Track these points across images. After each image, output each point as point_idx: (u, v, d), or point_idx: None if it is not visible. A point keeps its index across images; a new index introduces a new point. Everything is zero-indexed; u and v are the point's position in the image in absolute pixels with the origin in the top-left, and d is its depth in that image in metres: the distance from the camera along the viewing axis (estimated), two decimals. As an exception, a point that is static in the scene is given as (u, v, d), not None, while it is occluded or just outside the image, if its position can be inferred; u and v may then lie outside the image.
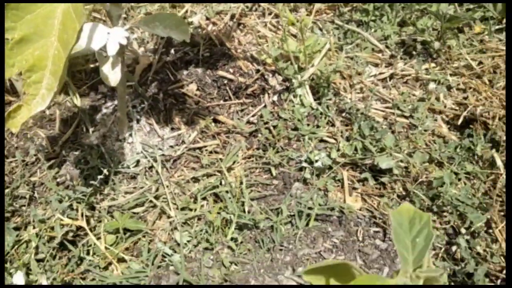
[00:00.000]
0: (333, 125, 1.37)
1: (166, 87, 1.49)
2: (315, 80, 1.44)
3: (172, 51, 1.58)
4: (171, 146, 1.36)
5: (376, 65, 1.54)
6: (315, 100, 1.42)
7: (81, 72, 1.53)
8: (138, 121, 1.41)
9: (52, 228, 1.14)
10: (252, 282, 1.03)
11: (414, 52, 1.55)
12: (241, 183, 1.24)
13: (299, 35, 1.48)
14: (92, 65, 1.53)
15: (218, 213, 1.18)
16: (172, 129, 1.41)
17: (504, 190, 1.12)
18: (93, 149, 1.32)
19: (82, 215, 1.14)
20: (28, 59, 0.86)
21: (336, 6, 1.70)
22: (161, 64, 1.55)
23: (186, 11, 1.74)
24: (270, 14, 1.69)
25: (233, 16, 1.70)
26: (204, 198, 1.24)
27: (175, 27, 1.08)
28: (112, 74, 1.10)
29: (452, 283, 1.00)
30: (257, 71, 1.51)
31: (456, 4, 1.64)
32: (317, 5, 1.71)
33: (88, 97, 1.48)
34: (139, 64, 1.53)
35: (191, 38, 1.62)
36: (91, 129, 1.38)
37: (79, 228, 1.17)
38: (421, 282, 0.63)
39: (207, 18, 1.70)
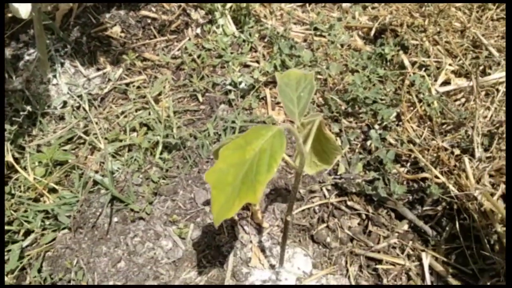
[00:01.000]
0: (255, 50, 1.40)
1: (89, 30, 1.47)
2: (236, 11, 1.45)
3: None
4: (98, 85, 1.35)
5: (296, -8, 1.56)
6: (237, 29, 1.44)
7: (-1, 22, 1.48)
8: (62, 64, 1.38)
9: (-20, 170, 1.12)
10: (181, 193, 1.06)
11: (331, -21, 1.59)
12: (169, 109, 1.25)
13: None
14: (10, 15, 1.49)
15: (149, 141, 1.19)
16: (98, 69, 1.39)
17: (412, 87, 1.18)
18: (17, 93, 1.29)
19: (8, 152, 1.12)
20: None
21: None
22: (82, 8, 1.52)
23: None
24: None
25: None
26: (133, 130, 1.25)
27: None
28: (23, 6, 1.08)
29: (367, 172, 1.07)
30: (179, 7, 1.51)
31: None
32: None
33: (9, 47, 1.44)
34: (59, 10, 1.50)
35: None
36: (14, 76, 1.35)
37: (10, 168, 1.16)
38: (311, 132, 0.67)
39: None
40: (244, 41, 1.41)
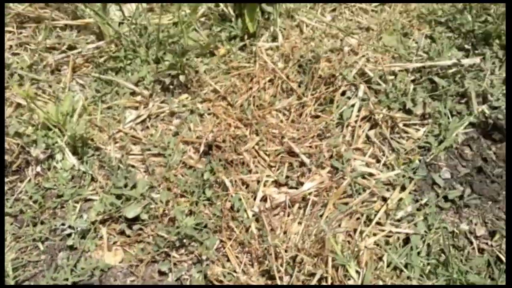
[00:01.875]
0: (96, 180, 1.41)
1: None
2: (74, 141, 1.46)
3: None
4: None
5: (136, 108, 1.59)
6: (78, 159, 1.45)
7: None
8: None
9: None
10: None
11: (171, 87, 1.63)
12: (8, 266, 1.23)
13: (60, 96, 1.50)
14: None
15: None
16: None
17: (233, 209, 1.23)
18: None
19: None
20: None
21: (94, 59, 1.71)
22: None
23: None
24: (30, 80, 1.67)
25: (-7, 91, 1.65)
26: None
27: None
28: None
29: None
30: (18, 145, 1.50)
31: (208, 29, 1.73)
32: (77, 60, 1.72)
33: None
34: None
35: None
36: None
37: None
38: None
39: (-34, 100, 1.64)
40: (84, 173, 1.42)
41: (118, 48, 1.69)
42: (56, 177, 1.41)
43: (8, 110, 1.61)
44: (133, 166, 1.41)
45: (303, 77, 1.55)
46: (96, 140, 1.49)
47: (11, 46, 1.73)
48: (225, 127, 1.39)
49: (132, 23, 1.67)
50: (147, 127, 1.54)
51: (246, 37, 1.73)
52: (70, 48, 1.72)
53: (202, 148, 1.40)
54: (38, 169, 1.46)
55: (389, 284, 1.00)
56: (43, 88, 1.64)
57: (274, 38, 1.71)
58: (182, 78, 1.58)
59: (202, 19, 1.76)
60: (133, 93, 1.63)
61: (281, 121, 1.41)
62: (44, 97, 1.59)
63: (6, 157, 1.48)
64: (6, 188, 1.44)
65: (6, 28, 1.75)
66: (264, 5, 1.75)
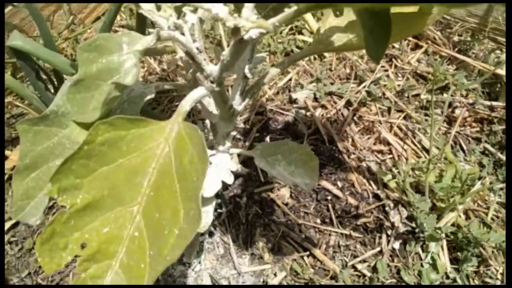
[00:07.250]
0: (470, 308, 0.94)
1: (253, 188, 1.08)
2: (457, 235, 1.00)
3: (268, 138, 1.17)
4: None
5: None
6: (452, 264, 0.98)
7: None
8: (211, 234, 1.00)
9: None
10: None
11: None
12: None
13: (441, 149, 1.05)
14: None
15: None
16: (253, 255, 0.99)
17: None
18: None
19: None
20: (90, 240, 0.45)
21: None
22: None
23: (290, 80, 1.33)
24: (399, 111, 1.25)
25: (349, 104, 1.27)
26: None
27: (302, 164, 0.70)
28: (204, 217, 0.70)
29: None
30: (375, 195, 1.08)
31: None
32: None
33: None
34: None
35: (293, 126, 1.21)
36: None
37: None
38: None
39: (315, 99, 1.29)
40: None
41: None
42: (420, 270, 0.96)
43: (364, 139, 1.21)
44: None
45: None
46: (485, 252, 1.01)
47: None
48: None
49: None
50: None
51: None
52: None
53: None
54: (396, 245, 1.02)
55: None
56: (408, 130, 1.22)
57: None
58: None
59: None
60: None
61: None
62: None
63: (353, 201, 1.08)
64: (341, 242, 1.04)
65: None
66: None
